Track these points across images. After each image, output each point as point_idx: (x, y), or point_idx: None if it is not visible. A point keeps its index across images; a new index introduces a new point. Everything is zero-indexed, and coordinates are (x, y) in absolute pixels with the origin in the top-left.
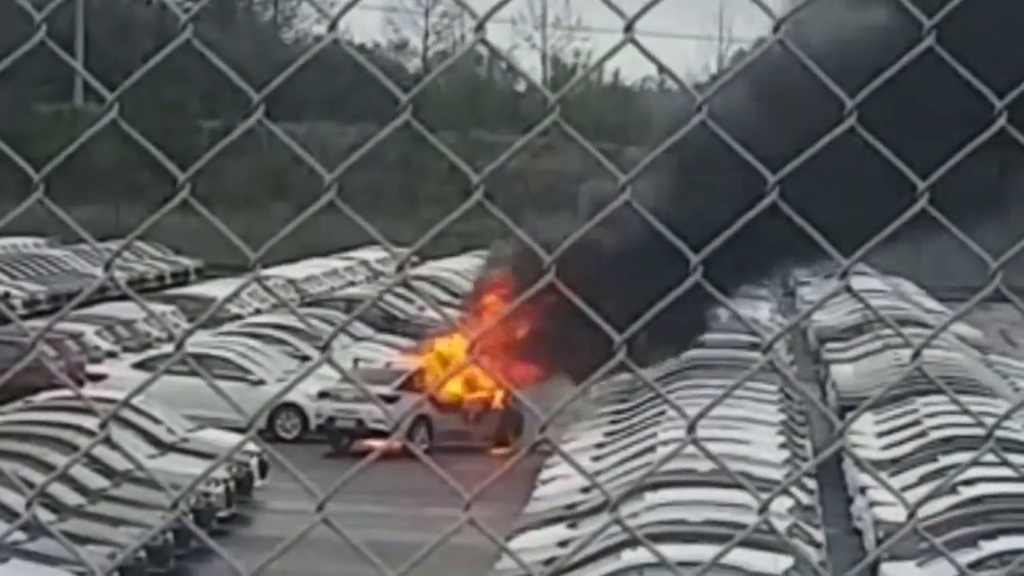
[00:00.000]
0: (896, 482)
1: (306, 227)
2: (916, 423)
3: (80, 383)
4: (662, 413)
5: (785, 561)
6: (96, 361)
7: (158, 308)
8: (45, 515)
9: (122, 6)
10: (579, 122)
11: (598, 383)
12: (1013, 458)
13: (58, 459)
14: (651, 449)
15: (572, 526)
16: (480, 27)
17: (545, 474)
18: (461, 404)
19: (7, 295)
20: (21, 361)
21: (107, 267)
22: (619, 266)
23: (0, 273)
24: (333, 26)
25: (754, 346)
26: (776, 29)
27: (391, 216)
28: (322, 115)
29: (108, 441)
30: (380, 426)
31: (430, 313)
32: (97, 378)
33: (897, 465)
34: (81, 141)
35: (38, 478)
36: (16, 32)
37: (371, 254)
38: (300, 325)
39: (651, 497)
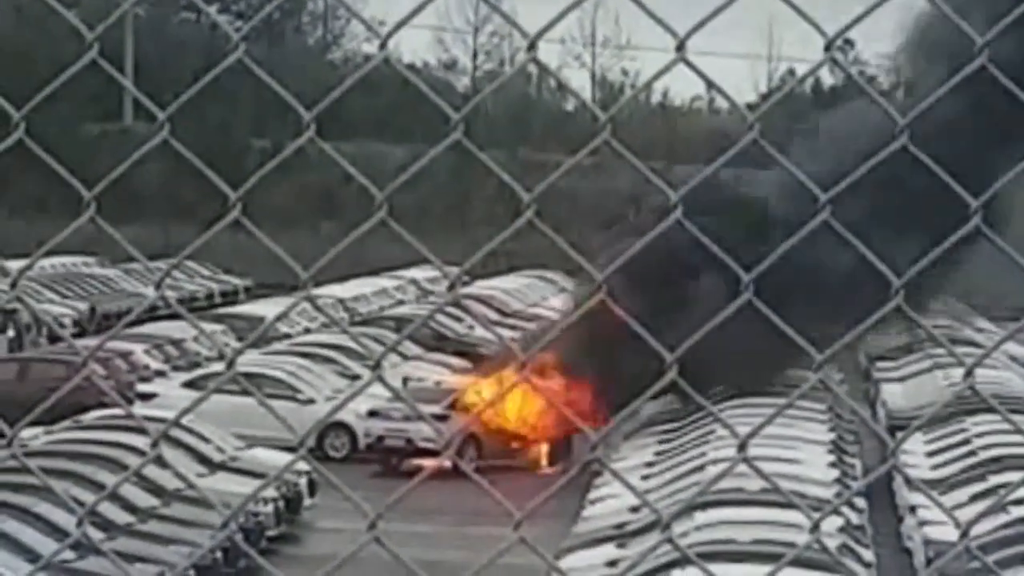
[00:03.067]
0: (946, 501)
1: (355, 246)
2: (966, 442)
3: (129, 402)
4: (712, 432)
5: None
6: (145, 380)
7: (208, 327)
8: (95, 534)
9: (171, 25)
10: (628, 141)
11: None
12: None
13: (108, 478)
14: (701, 468)
15: (622, 545)
16: (532, 46)
17: (594, 493)
18: (511, 423)
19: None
20: (71, 380)
21: (158, 286)
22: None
23: (50, 292)
24: (384, 45)
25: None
26: (827, 48)
27: (440, 235)
28: (371, 134)
29: (158, 460)
30: (429, 445)
31: (479, 332)
32: (147, 397)
33: (947, 484)
34: (133, 160)
35: (88, 497)
36: (65, 52)
37: (420, 273)
38: (349, 344)
39: (701, 516)
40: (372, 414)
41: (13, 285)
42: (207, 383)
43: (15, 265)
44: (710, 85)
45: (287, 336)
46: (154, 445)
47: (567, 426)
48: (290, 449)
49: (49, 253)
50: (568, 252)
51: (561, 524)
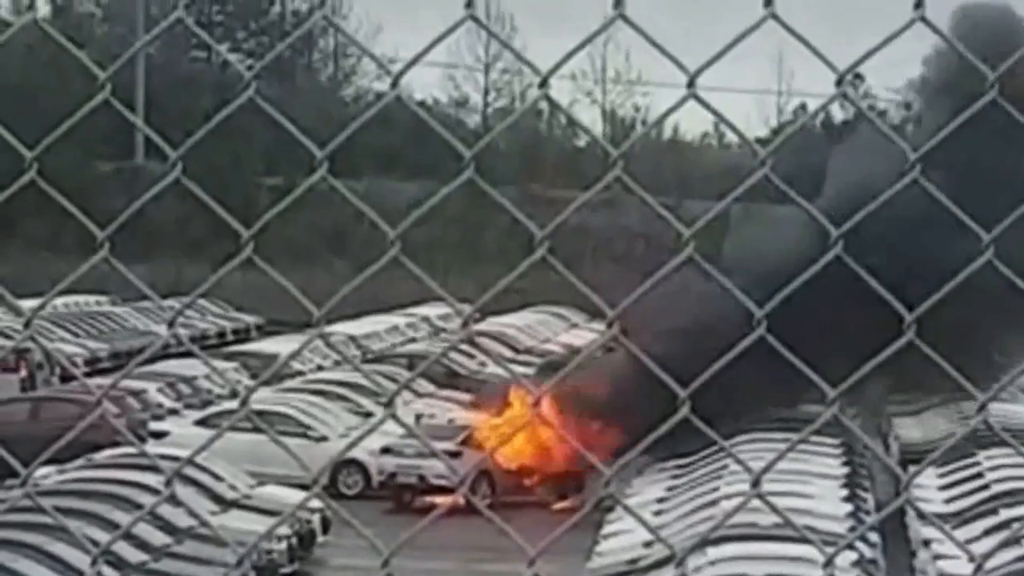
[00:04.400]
0: (960, 535)
1: (367, 283)
2: (979, 476)
3: (143, 440)
4: (724, 467)
5: None
6: (158, 418)
7: (220, 365)
8: (109, 572)
9: (182, 64)
10: (639, 176)
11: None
12: None
13: (121, 516)
14: (714, 503)
15: None
16: (544, 83)
17: (607, 529)
18: (523, 459)
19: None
20: (85, 419)
21: (171, 324)
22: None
23: (63, 331)
24: (395, 83)
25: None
26: (839, 82)
27: (452, 271)
28: (382, 171)
29: (171, 498)
30: (442, 482)
31: (492, 369)
32: (159, 435)
33: (961, 518)
34: (145, 200)
35: (102, 536)
36: (77, 90)
37: (432, 310)
38: (362, 381)
39: (714, 551)
40: (385, 451)
41: (27, 325)
42: (220, 421)
43: (28, 304)
44: (721, 120)
45: (300, 373)
46: (168, 483)
47: (579, 461)
48: (303, 486)
49: (61, 292)
50: (581, 288)
51: (575, 560)
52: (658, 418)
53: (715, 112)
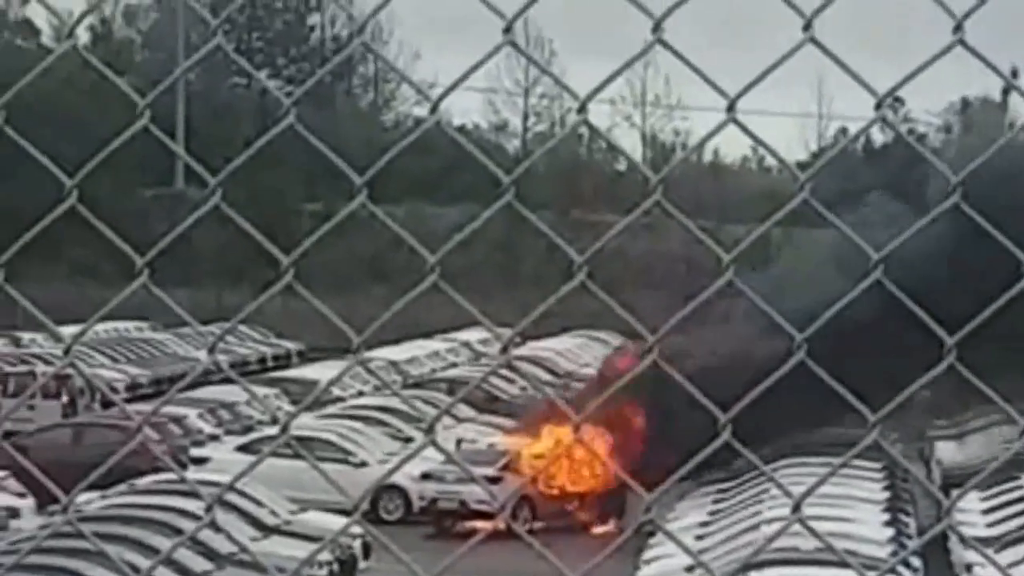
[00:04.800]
0: (1002, 559)
1: (407, 308)
2: (1021, 500)
3: (183, 466)
4: (766, 491)
5: None
6: (199, 444)
7: (260, 391)
8: None
9: (222, 90)
10: (678, 200)
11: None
12: None
13: (162, 542)
14: (755, 527)
15: None
16: (583, 108)
17: (648, 554)
18: (564, 484)
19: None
20: (126, 445)
21: (211, 351)
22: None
23: (103, 357)
24: (435, 109)
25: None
26: (878, 106)
27: (491, 296)
28: (421, 196)
29: (212, 524)
30: (483, 507)
31: (532, 393)
32: (200, 461)
33: (1003, 542)
34: (185, 227)
35: (142, 562)
36: (117, 117)
37: (472, 335)
38: (402, 407)
39: None
40: (426, 476)
41: (67, 351)
42: (261, 447)
43: (69, 330)
44: (760, 145)
45: (340, 399)
46: (208, 509)
47: (620, 485)
48: (344, 512)
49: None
50: (620, 313)
51: None
52: (699, 441)
53: (754, 137)
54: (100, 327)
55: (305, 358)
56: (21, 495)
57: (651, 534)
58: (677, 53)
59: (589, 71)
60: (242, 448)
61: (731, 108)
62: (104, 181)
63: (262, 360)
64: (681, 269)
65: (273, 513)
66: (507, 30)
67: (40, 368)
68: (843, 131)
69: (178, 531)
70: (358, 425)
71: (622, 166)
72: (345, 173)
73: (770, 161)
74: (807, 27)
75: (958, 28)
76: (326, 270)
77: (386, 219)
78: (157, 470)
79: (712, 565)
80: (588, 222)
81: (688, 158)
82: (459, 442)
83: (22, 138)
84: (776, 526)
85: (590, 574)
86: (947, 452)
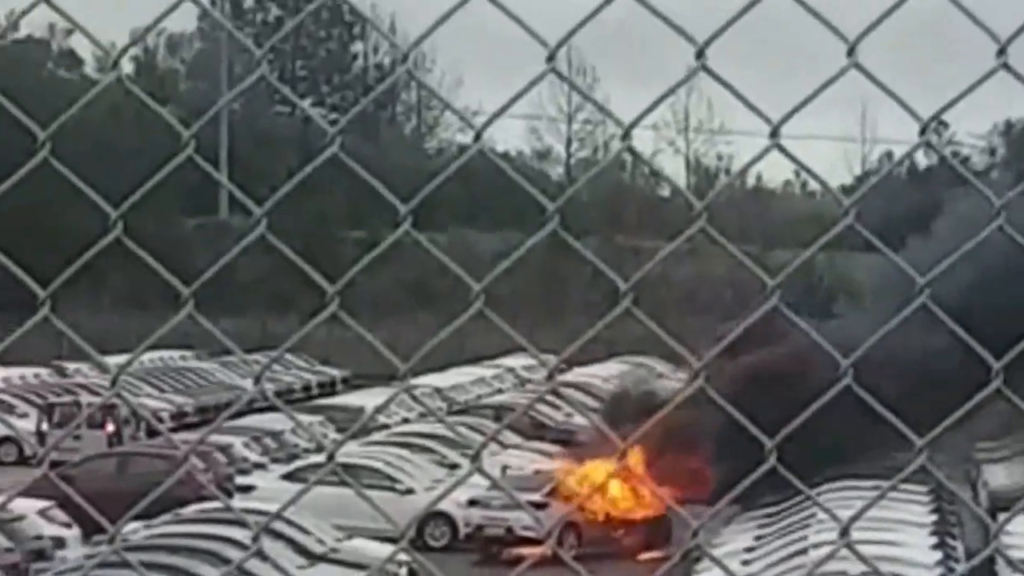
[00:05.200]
0: None
1: (452, 335)
2: None
3: (229, 495)
4: (812, 515)
5: None
6: (244, 472)
7: (305, 419)
8: None
9: (265, 119)
10: (722, 225)
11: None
12: None
13: (208, 571)
14: (802, 552)
15: None
16: (627, 135)
17: None
18: (611, 511)
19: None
20: (172, 474)
21: (257, 380)
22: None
23: (148, 386)
24: (479, 136)
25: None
26: (923, 131)
27: (536, 323)
28: (465, 223)
29: (259, 552)
30: (529, 533)
31: (577, 419)
32: (246, 489)
33: None
34: (231, 256)
35: None
36: (161, 147)
37: (517, 361)
38: (447, 433)
39: None
40: (472, 503)
41: (114, 382)
42: (306, 475)
43: (113, 360)
44: (805, 171)
45: (385, 426)
46: (256, 538)
47: (666, 510)
48: (390, 539)
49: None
50: (665, 338)
51: None
52: (746, 467)
53: (799, 162)
54: (145, 356)
55: (350, 385)
56: (67, 525)
57: (698, 559)
58: (721, 80)
59: (632, 97)
60: (287, 476)
61: (775, 134)
62: (148, 211)
63: (307, 388)
64: (726, 294)
65: (319, 541)
66: (551, 58)
67: (85, 398)
68: (888, 155)
69: (225, 560)
70: (404, 452)
71: (666, 191)
72: (389, 200)
73: (814, 185)
74: (851, 52)
75: (1002, 52)
76: (371, 297)
77: (431, 247)
78: (202, 499)
79: None
80: (632, 248)
81: (732, 183)
82: (505, 468)
83: (66, 168)
84: (823, 551)
85: None
86: (994, 475)
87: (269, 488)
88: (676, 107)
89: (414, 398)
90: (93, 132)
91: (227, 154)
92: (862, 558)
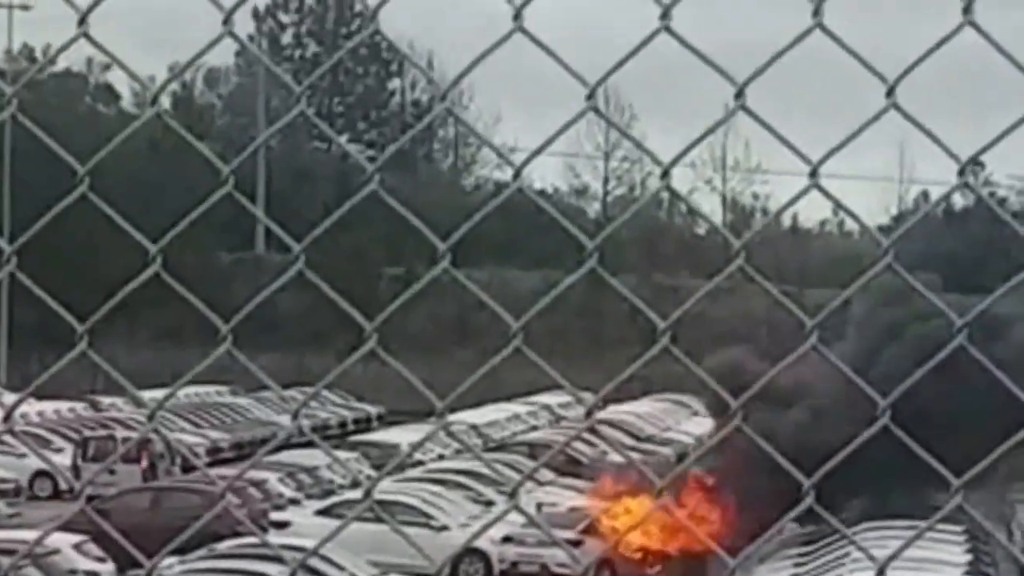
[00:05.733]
0: None
1: (487, 372)
2: None
3: (263, 530)
4: (847, 554)
5: None
6: (279, 508)
7: (341, 455)
8: None
9: (302, 154)
10: (759, 265)
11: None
12: None
13: None
14: None
15: None
16: (666, 173)
17: None
18: (645, 549)
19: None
20: (205, 509)
21: (295, 415)
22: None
23: (183, 421)
24: (518, 174)
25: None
26: (961, 172)
27: (573, 360)
28: (503, 260)
29: None
30: (564, 571)
31: (613, 457)
32: (280, 525)
33: None
34: (269, 292)
35: None
36: (200, 182)
37: (553, 398)
38: (482, 470)
39: None
40: (507, 540)
41: (151, 417)
42: (341, 511)
43: (149, 395)
44: (844, 211)
45: (420, 463)
46: (293, 574)
47: (703, 549)
48: None
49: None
50: (703, 376)
51: None
52: (783, 505)
53: (838, 202)
54: (181, 392)
55: (385, 422)
56: (101, 560)
57: None
58: (760, 119)
59: (668, 135)
60: (322, 512)
61: (814, 173)
62: (185, 245)
63: (343, 424)
64: (763, 333)
65: None
66: (590, 96)
67: (120, 432)
68: (924, 195)
69: None
70: (439, 489)
71: (702, 230)
72: (427, 236)
73: (850, 225)
74: (890, 93)
75: None
76: (408, 334)
77: (469, 284)
78: (237, 534)
79: None
80: (669, 286)
81: (770, 222)
82: (540, 505)
83: (104, 203)
84: None
85: None
86: None
87: (303, 524)
88: (713, 145)
89: (451, 435)
90: (131, 167)
91: (264, 190)
92: None
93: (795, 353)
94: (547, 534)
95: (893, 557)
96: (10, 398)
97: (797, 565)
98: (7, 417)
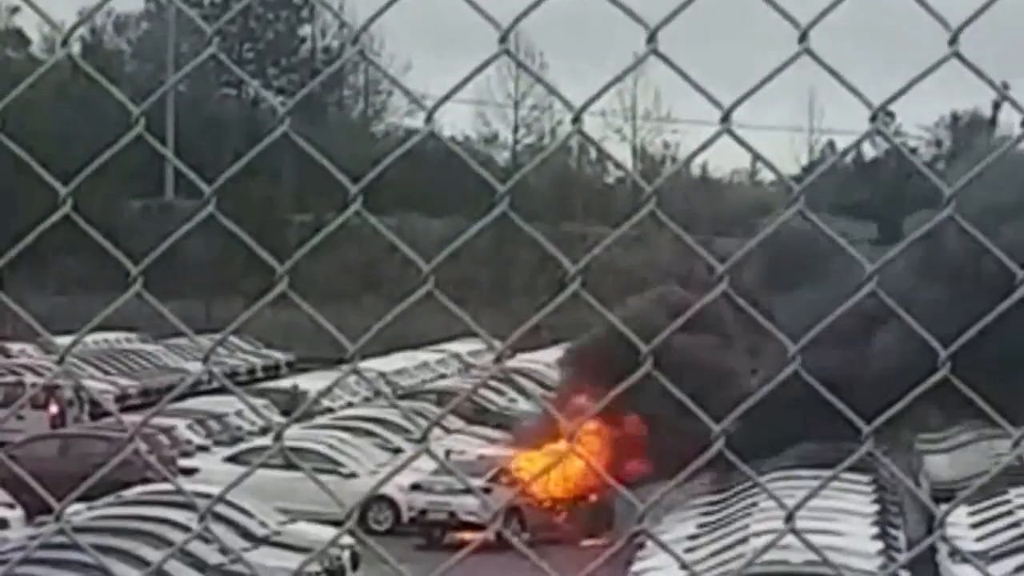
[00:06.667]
0: (991, 573)
1: (397, 319)
2: (1010, 513)
3: (173, 476)
4: (755, 504)
5: None
6: (187, 455)
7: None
8: None
9: (212, 100)
10: (670, 213)
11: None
12: None
13: (150, 553)
14: (744, 540)
15: None
16: (577, 118)
17: (637, 566)
18: (553, 495)
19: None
20: (112, 456)
21: (205, 361)
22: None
23: (92, 368)
24: (429, 118)
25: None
26: (873, 119)
27: (481, 308)
28: (410, 207)
29: (201, 535)
30: (472, 518)
31: (521, 405)
32: (189, 472)
33: (991, 556)
34: (178, 236)
35: (132, 573)
36: (108, 128)
37: (462, 346)
38: (390, 417)
39: None
40: (415, 487)
41: (60, 361)
42: (249, 458)
43: (59, 341)
44: (757, 157)
45: (329, 410)
46: (202, 519)
47: (609, 496)
48: (333, 523)
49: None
50: (615, 323)
51: None
52: (692, 451)
53: (750, 148)
54: (89, 338)
55: (294, 368)
56: (9, 506)
57: (640, 546)
58: (673, 64)
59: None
60: (231, 459)
61: (726, 119)
62: (94, 191)
63: (251, 371)
64: (672, 282)
65: (262, 524)
66: (503, 39)
67: (29, 378)
68: (830, 145)
69: (167, 542)
70: (347, 436)
71: (611, 179)
72: (336, 183)
73: (762, 174)
74: (803, 38)
75: (954, 40)
76: (316, 280)
77: (381, 227)
78: (145, 481)
79: None
80: (579, 234)
81: (679, 169)
82: (448, 453)
83: (13, 146)
84: (765, 539)
85: None
86: (936, 466)
87: (212, 471)
88: (624, 94)
89: (365, 381)
90: (40, 111)
91: (173, 135)
92: (809, 544)
93: (706, 298)
94: (460, 479)
95: (801, 504)
96: None
97: (705, 515)
98: None
